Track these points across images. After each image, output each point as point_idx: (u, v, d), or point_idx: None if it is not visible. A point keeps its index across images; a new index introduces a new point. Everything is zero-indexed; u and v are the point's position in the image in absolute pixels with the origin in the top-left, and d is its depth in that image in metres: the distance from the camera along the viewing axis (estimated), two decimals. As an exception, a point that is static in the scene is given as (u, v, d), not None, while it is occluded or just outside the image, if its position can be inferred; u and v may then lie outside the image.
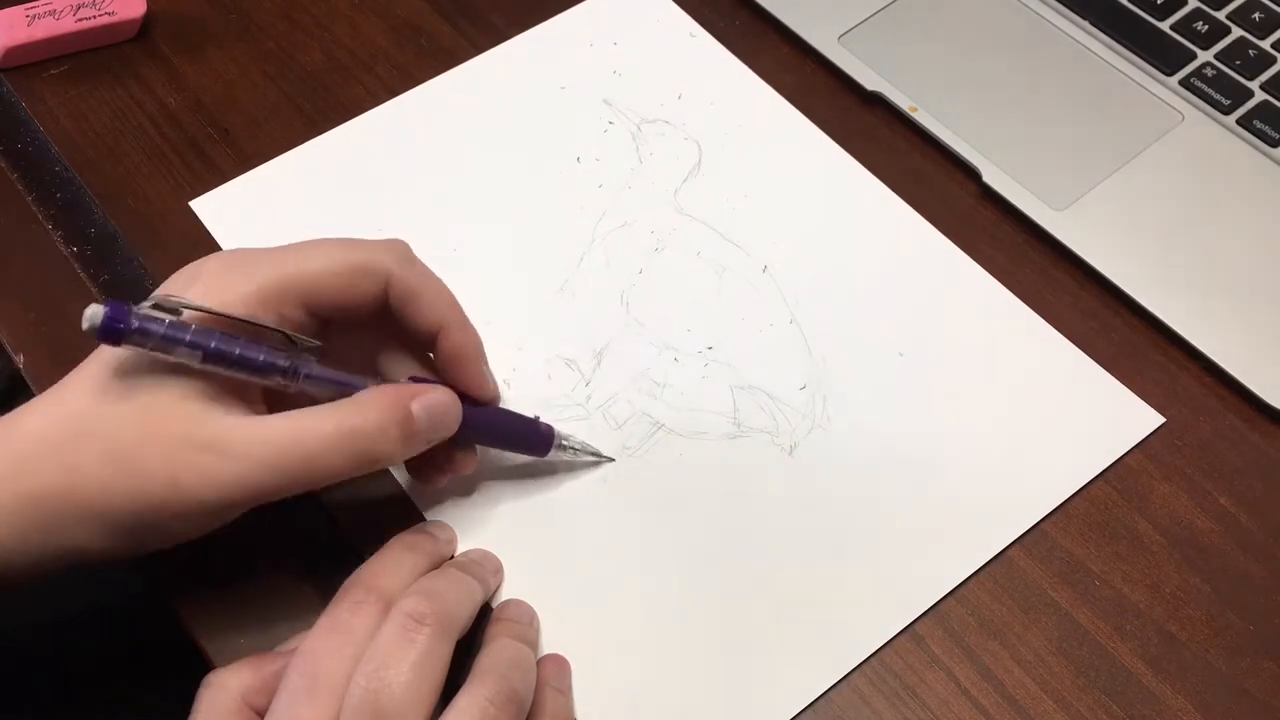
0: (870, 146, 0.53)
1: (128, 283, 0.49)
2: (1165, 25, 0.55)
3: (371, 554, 0.40)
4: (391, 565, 0.38)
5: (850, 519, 0.43)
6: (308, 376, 0.37)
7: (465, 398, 0.41)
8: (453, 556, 0.42)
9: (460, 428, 0.40)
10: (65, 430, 0.36)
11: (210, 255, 0.39)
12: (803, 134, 0.53)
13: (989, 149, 0.52)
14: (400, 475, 0.44)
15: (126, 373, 0.36)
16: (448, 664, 0.35)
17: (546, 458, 0.43)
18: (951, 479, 0.44)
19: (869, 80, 0.54)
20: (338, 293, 0.38)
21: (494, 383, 0.42)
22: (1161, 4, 0.56)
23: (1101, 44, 0.55)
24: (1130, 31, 0.55)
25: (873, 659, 0.41)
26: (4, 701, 0.51)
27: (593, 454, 0.44)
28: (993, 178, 0.51)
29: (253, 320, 0.37)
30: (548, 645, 0.41)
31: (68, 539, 0.36)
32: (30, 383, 0.47)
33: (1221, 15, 0.55)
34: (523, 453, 0.43)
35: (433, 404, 0.39)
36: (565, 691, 0.39)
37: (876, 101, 0.54)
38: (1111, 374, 0.46)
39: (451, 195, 0.51)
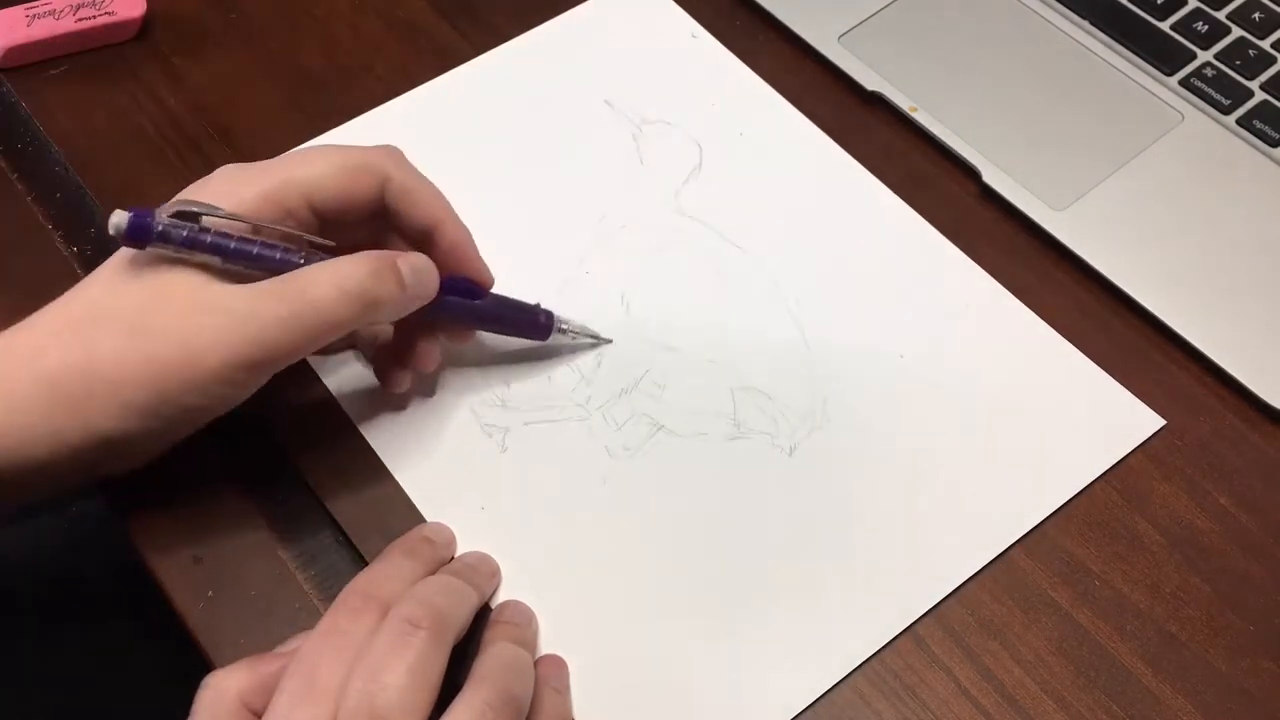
0: (870, 146, 0.53)
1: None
2: (1165, 25, 0.55)
3: (372, 556, 0.40)
4: (390, 571, 0.38)
5: (850, 520, 0.43)
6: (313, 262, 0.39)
7: (467, 287, 0.43)
8: (452, 559, 0.42)
9: (465, 313, 0.43)
10: (81, 312, 0.38)
11: (221, 167, 0.41)
12: (803, 134, 0.53)
13: (989, 149, 0.52)
14: (400, 475, 0.44)
15: (139, 261, 0.38)
16: (444, 667, 0.35)
17: (546, 342, 0.46)
18: (951, 480, 0.44)
19: (869, 80, 0.54)
20: (339, 191, 0.40)
21: (489, 271, 0.44)
22: (1161, 4, 0.56)
23: (1101, 44, 0.55)
24: (1130, 31, 0.55)
25: (873, 659, 0.41)
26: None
27: (591, 336, 0.47)
28: (993, 178, 0.51)
29: (267, 224, 0.39)
30: (547, 646, 0.41)
31: (88, 421, 0.37)
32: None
33: (1221, 15, 0.55)
34: (525, 336, 0.46)
35: (415, 261, 0.41)
36: (563, 691, 0.39)
37: (876, 101, 0.54)
38: (1111, 374, 0.47)
39: (452, 196, 0.51)
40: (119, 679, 0.58)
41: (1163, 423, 0.46)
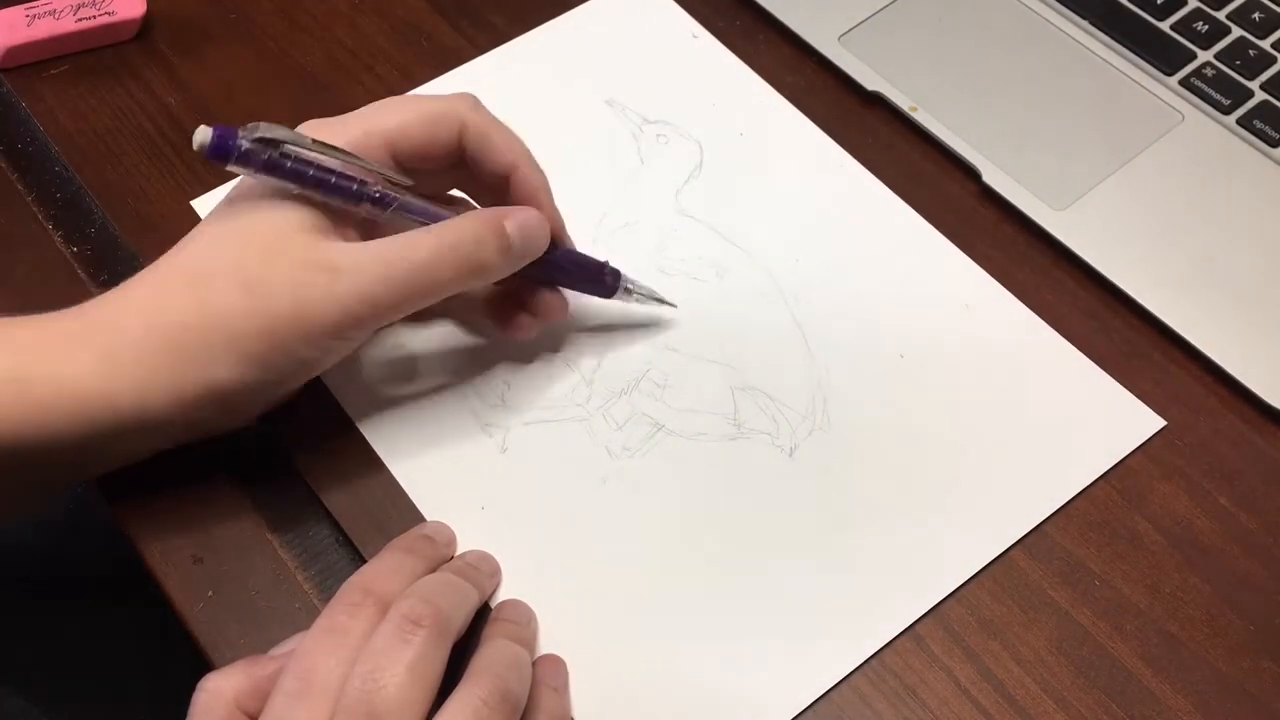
0: (870, 146, 0.53)
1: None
2: (1165, 25, 0.55)
3: (372, 557, 0.40)
4: (389, 568, 0.38)
5: (850, 520, 0.43)
6: (400, 207, 0.41)
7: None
8: (452, 558, 0.42)
9: (534, 265, 0.43)
10: (193, 269, 0.39)
11: (304, 122, 0.41)
12: (803, 134, 0.53)
13: (989, 149, 0.52)
14: (400, 475, 0.44)
15: (241, 215, 0.40)
16: (443, 666, 0.35)
17: (613, 299, 0.46)
18: (951, 481, 0.44)
19: (869, 80, 0.54)
20: (420, 140, 0.42)
21: (561, 219, 0.45)
22: (1161, 4, 0.56)
23: (1101, 44, 0.55)
24: (1130, 31, 0.55)
25: (873, 659, 0.41)
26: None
27: (657, 299, 0.47)
28: (993, 178, 0.51)
29: (344, 153, 0.40)
30: (546, 645, 0.41)
31: (204, 371, 0.38)
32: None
33: (1221, 15, 0.55)
34: (590, 293, 0.46)
35: (524, 220, 0.42)
36: (561, 690, 0.39)
37: (876, 101, 0.54)
38: (1111, 374, 0.47)
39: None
40: (119, 679, 0.58)
41: (1163, 423, 0.46)
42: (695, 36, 0.56)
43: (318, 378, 0.46)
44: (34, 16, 0.54)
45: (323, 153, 0.39)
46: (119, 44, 0.56)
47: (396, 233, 0.40)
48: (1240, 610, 0.42)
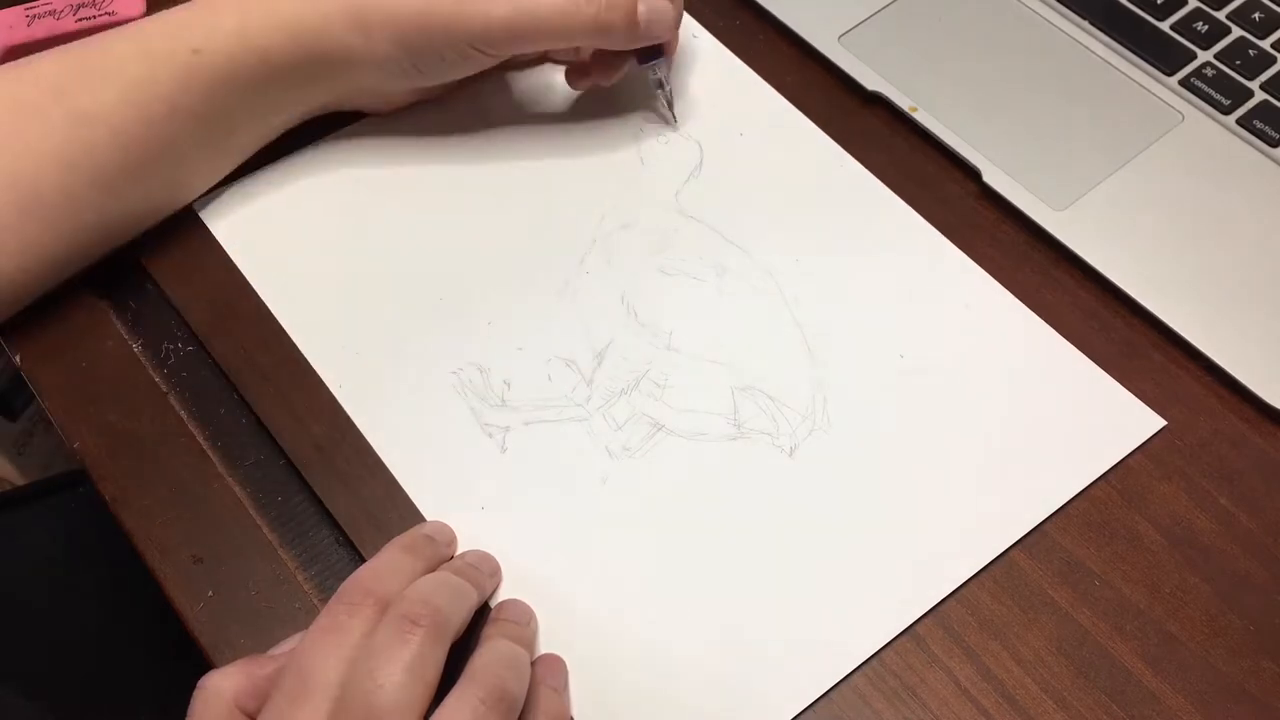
0: (870, 146, 0.53)
1: (130, 286, 0.49)
2: (1165, 25, 0.55)
3: (370, 555, 0.40)
4: (388, 567, 0.38)
5: (850, 521, 0.43)
6: None
7: None
8: (451, 558, 0.42)
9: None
10: None
11: None
12: (803, 134, 0.53)
13: (989, 149, 0.52)
14: (400, 475, 0.44)
15: None
16: (441, 666, 0.35)
17: (646, 66, 0.51)
18: (951, 481, 0.44)
19: (869, 80, 0.54)
20: None
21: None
22: (1161, 4, 0.56)
23: (1101, 44, 0.55)
24: (1130, 31, 0.55)
25: (873, 659, 0.41)
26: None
27: (669, 107, 0.53)
28: (993, 178, 0.51)
29: None
30: (546, 645, 0.41)
31: (371, 40, 0.47)
32: (30, 383, 0.47)
33: (1221, 15, 0.55)
34: (639, 58, 0.51)
35: (655, 4, 0.48)
36: (560, 690, 0.39)
37: (876, 101, 0.54)
38: (1111, 374, 0.47)
39: (455, 196, 0.51)
40: (119, 678, 0.58)
41: (1163, 423, 0.46)
42: (695, 36, 0.56)
43: (318, 378, 0.46)
44: (34, 16, 0.54)
45: None
46: (119, 44, 0.56)
47: None
48: (1240, 610, 0.42)
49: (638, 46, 0.49)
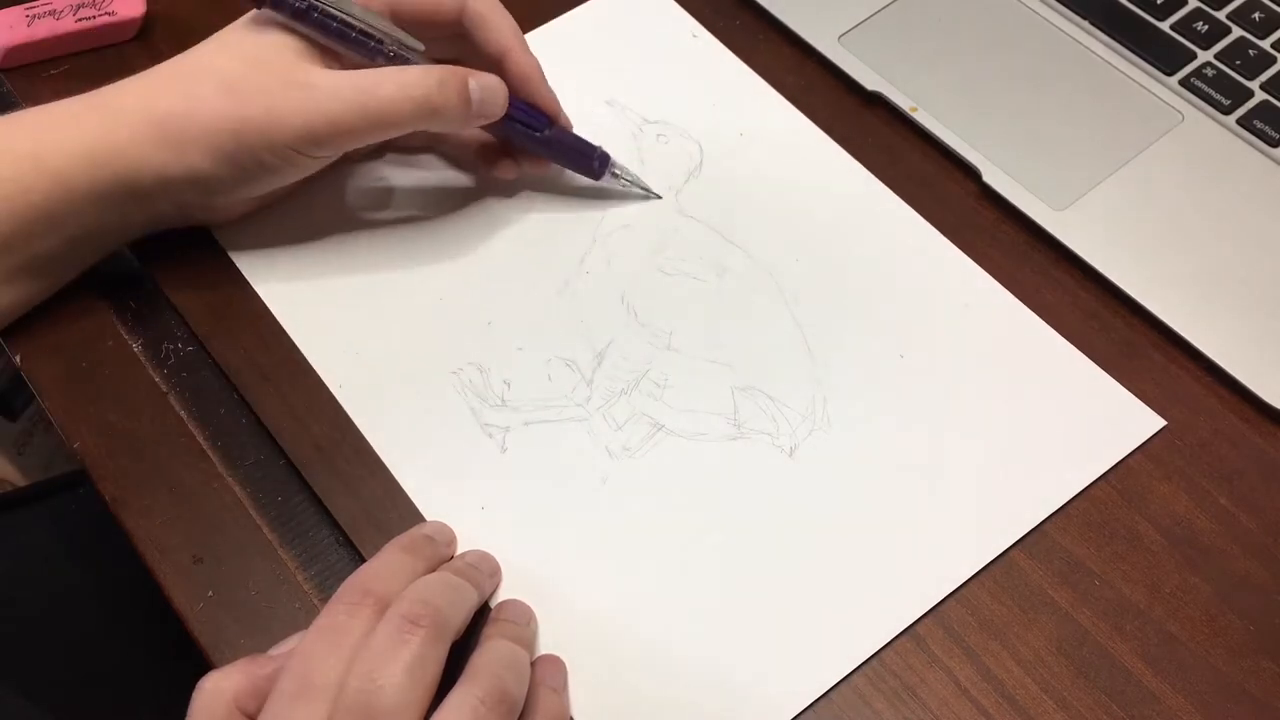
0: (870, 146, 0.53)
1: (128, 284, 0.49)
2: (1165, 25, 0.55)
3: (370, 555, 0.40)
4: (388, 567, 0.38)
5: (850, 520, 0.43)
6: (400, 57, 0.45)
7: (534, 115, 0.48)
8: (451, 558, 0.42)
9: (527, 140, 0.48)
10: (189, 69, 0.45)
11: None
12: (803, 134, 0.53)
13: (989, 149, 0.52)
14: (400, 475, 0.44)
15: (240, 32, 0.45)
16: (442, 666, 0.35)
17: (599, 182, 0.50)
18: (951, 481, 0.44)
19: (869, 80, 0.54)
20: (419, 9, 0.46)
21: (557, 101, 0.49)
22: (1161, 4, 0.56)
23: (1101, 44, 0.55)
24: (1130, 31, 0.55)
25: (873, 659, 0.41)
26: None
27: (642, 188, 0.51)
28: (993, 178, 0.51)
29: (367, 15, 0.45)
30: (546, 645, 0.41)
31: (182, 156, 0.43)
32: (30, 383, 0.47)
33: (1221, 15, 0.55)
34: (579, 171, 0.50)
35: (485, 80, 0.46)
36: (560, 691, 0.39)
37: (876, 101, 0.54)
38: (1111, 374, 0.47)
39: (455, 195, 0.51)
40: (119, 679, 0.58)
41: (1163, 423, 0.46)
42: (695, 36, 0.56)
43: (318, 378, 0.46)
44: (34, 16, 0.54)
45: (346, 10, 0.44)
46: (119, 44, 0.56)
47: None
48: (1240, 610, 0.42)
49: (473, 126, 0.47)
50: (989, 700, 0.40)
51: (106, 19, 0.55)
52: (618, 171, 0.50)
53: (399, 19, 0.46)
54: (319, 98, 0.43)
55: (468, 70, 0.45)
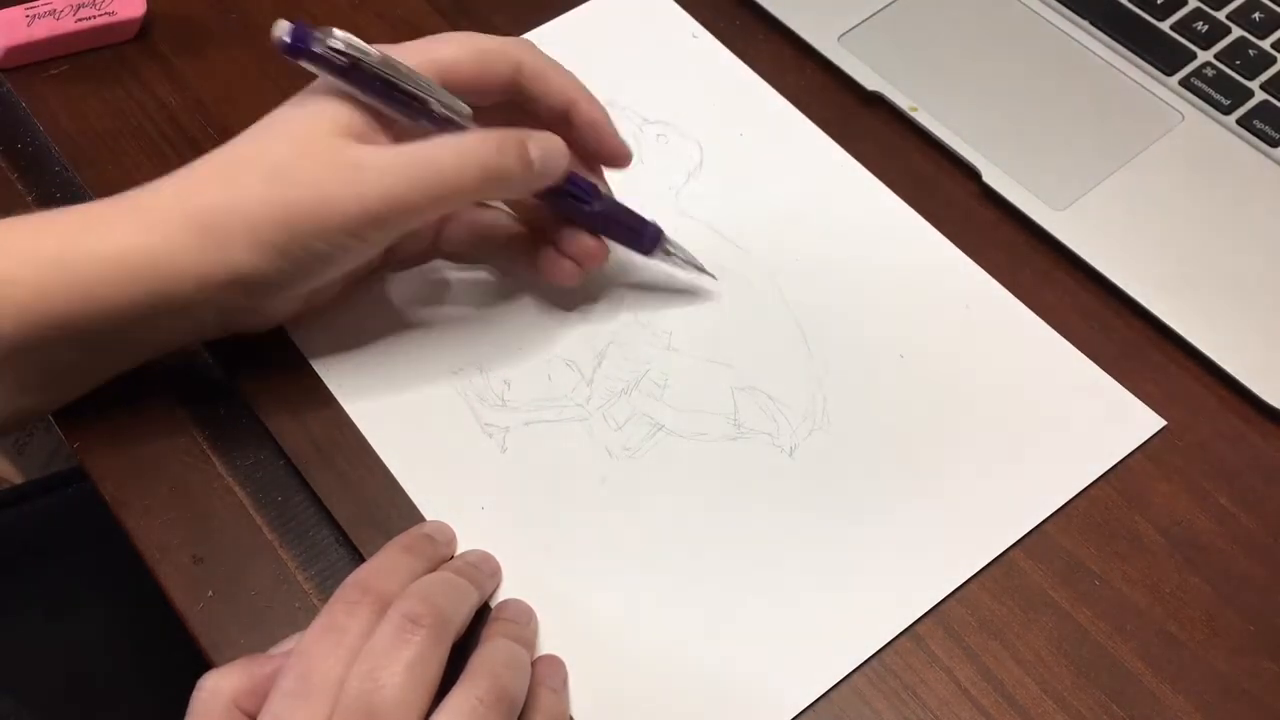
0: (870, 146, 0.53)
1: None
2: (1165, 25, 0.55)
3: (370, 555, 0.40)
4: (388, 566, 0.38)
5: (850, 520, 0.43)
6: (448, 120, 0.42)
7: (584, 186, 0.45)
8: (451, 558, 0.42)
9: (576, 214, 0.45)
10: (229, 158, 0.41)
11: None
12: (803, 134, 0.53)
13: (989, 149, 0.52)
14: (400, 475, 0.44)
15: (283, 111, 0.42)
16: (443, 666, 0.35)
17: (650, 257, 0.47)
18: (951, 480, 0.44)
19: (869, 80, 0.54)
20: (472, 74, 0.43)
21: (628, 147, 0.46)
22: (1161, 4, 0.56)
23: (1101, 44, 0.55)
24: (1130, 31, 0.55)
25: (873, 659, 0.41)
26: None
27: (696, 266, 0.48)
28: (993, 178, 0.51)
29: (417, 76, 0.41)
30: (546, 645, 0.41)
31: (225, 254, 0.39)
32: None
33: (1221, 15, 0.55)
34: (630, 246, 0.47)
35: (545, 141, 0.43)
36: (560, 691, 0.39)
37: (876, 101, 0.54)
38: (1111, 374, 0.47)
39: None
40: (119, 679, 0.58)
41: (1163, 423, 0.46)
42: (695, 36, 0.56)
43: (319, 378, 0.46)
44: (34, 16, 0.54)
45: (391, 69, 0.40)
46: (119, 44, 0.56)
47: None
48: (1240, 610, 0.42)
49: (534, 190, 0.43)
50: (989, 700, 0.40)
51: (106, 19, 0.55)
52: (670, 248, 0.47)
53: (449, 84, 0.42)
54: (371, 176, 0.40)
55: (524, 130, 0.42)
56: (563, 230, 0.46)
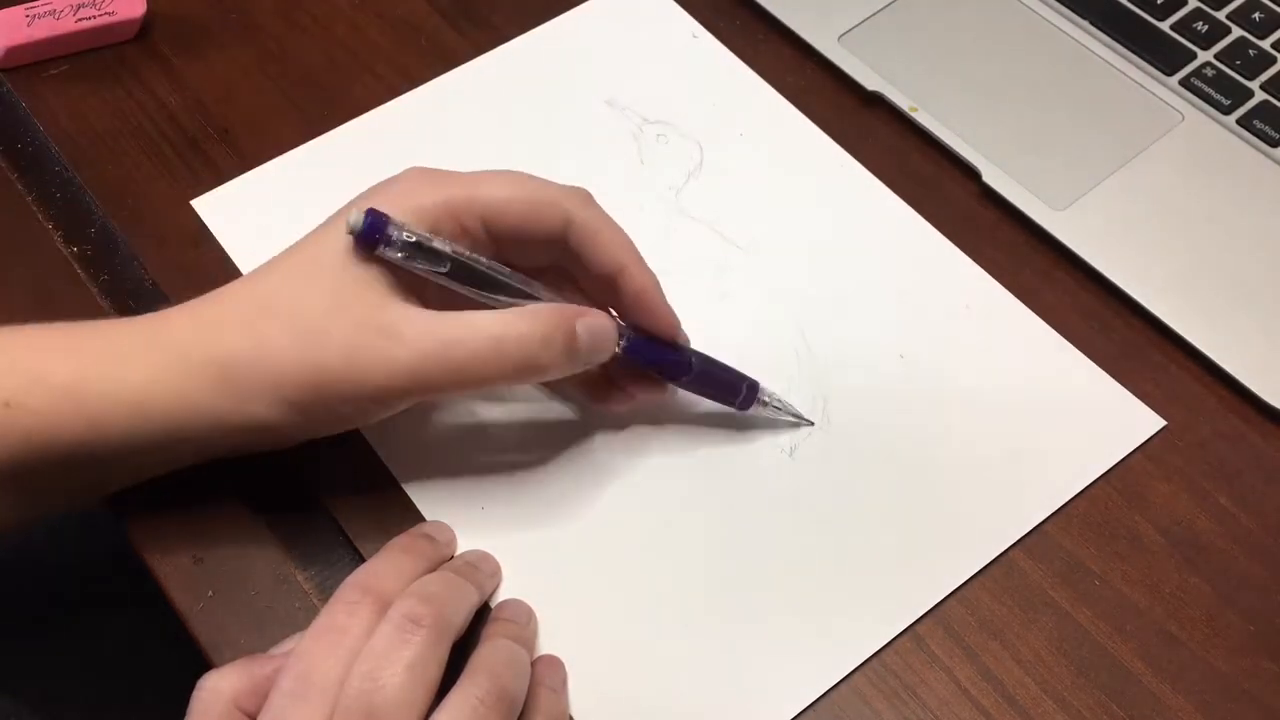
0: (870, 146, 0.53)
1: (128, 283, 0.49)
2: (1165, 25, 0.55)
3: (372, 556, 0.40)
4: (388, 567, 0.38)
5: (850, 520, 0.43)
6: (519, 290, 0.40)
7: (664, 345, 0.42)
8: (452, 558, 0.42)
9: (666, 373, 0.43)
10: (256, 305, 0.39)
11: (409, 168, 0.41)
12: (803, 134, 0.53)
13: (989, 149, 0.52)
14: (400, 475, 0.44)
15: (321, 254, 0.39)
16: (443, 666, 0.35)
17: (747, 413, 0.44)
18: (951, 481, 0.44)
19: (869, 80, 0.54)
20: (519, 220, 0.40)
21: (676, 317, 0.43)
22: (1161, 4, 0.56)
23: (1101, 44, 0.55)
24: (1130, 31, 0.55)
25: (873, 659, 0.41)
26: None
27: (794, 415, 0.45)
28: (993, 178, 0.51)
29: (484, 262, 0.39)
30: (546, 645, 0.41)
31: (247, 407, 0.39)
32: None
33: (1221, 15, 0.55)
34: (722, 402, 0.44)
35: (595, 325, 0.40)
36: (559, 691, 0.39)
37: (876, 101, 0.54)
38: (1111, 374, 0.47)
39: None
40: (119, 679, 0.58)
41: (1163, 423, 0.46)
42: (695, 36, 0.56)
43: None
44: (34, 16, 0.54)
45: (458, 255, 0.39)
46: (119, 44, 0.56)
47: (468, 304, 0.39)
48: (1240, 610, 0.42)
49: (578, 371, 0.41)
50: (989, 700, 0.40)
51: (106, 19, 0.55)
52: (767, 399, 0.44)
53: (493, 230, 0.40)
54: (403, 352, 0.38)
55: (574, 309, 0.40)
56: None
